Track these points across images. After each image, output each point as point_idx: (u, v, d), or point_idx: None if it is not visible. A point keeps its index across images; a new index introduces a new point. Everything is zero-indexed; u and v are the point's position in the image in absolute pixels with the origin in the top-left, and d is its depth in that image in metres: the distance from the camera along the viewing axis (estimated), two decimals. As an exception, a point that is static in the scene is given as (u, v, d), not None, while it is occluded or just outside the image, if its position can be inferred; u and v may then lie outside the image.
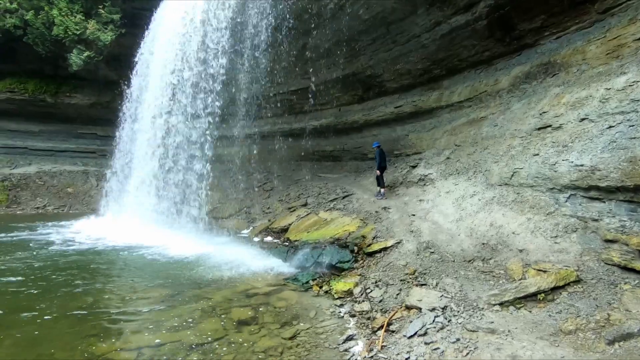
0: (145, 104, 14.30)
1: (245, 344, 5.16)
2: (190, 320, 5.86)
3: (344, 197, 12.88)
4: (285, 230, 12.45)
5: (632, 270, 4.47)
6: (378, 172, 11.36)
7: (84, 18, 16.70)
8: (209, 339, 5.29)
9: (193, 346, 5.08)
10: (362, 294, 6.32)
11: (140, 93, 14.88)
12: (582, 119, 6.21)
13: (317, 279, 7.72)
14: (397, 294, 5.84)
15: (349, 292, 6.58)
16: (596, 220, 5.27)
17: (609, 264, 4.75)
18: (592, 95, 6.29)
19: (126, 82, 15.82)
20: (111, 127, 17.22)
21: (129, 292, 7.07)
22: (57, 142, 21.92)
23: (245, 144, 21.58)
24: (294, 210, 13.89)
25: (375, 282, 6.56)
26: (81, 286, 7.36)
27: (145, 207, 13.54)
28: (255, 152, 21.33)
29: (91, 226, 13.82)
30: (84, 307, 6.22)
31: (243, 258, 9.84)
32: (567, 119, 6.57)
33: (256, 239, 12.56)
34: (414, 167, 11.43)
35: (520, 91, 9.00)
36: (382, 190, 11.30)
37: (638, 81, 5.47)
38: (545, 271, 4.99)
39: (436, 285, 5.59)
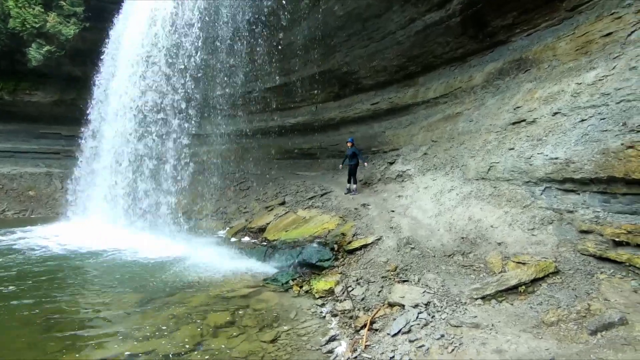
0: (113, 101, 13.60)
1: (224, 350, 4.93)
2: (165, 327, 5.55)
3: (322, 195, 12.76)
4: (263, 229, 12.19)
5: (607, 259, 4.57)
6: (366, 164, 11.76)
7: (43, 10, 15.69)
8: (186, 346, 5.01)
9: (169, 355, 4.80)
10: (343, 293, 6.20)
11: (107, 90, 14.15)
12: (555, 113, 6.33)
13: (297, 279, 7.55)
14: (379, 291, 5.76)
15: (330, 291, 6.45)
16: (571, 211, 5.38)
17: (585, 254, 4.85)
18: (564, 90, 6.43)
19: (92, 79, 15.03)
20: (77, 126, 16.29)
21: (97, 300, 6.64)
22: (17, 142, 20.56)
23: (221, 142, 21.09)
24: (272, 209, 13.65)
25: (357, 280, 6.46)
26: (45, 294, 6.85)
27: (115, 209, 12.91)
28: (231, 150, 20.90)
29: (57, 231, 13.02)
30: (48, 317, 5.77)
31: (220, 259, 9.53)
32: (540, 114, 6.70)
33: (233, 240, 12.25)
34: (391, 163, 11.44)
35: (494, 87, 9.15)
36: (355, 186, 11.60)
37: (607, 76, 5.62)
38: (524, 263, 5.04)
39: (418, 281, 5.54)
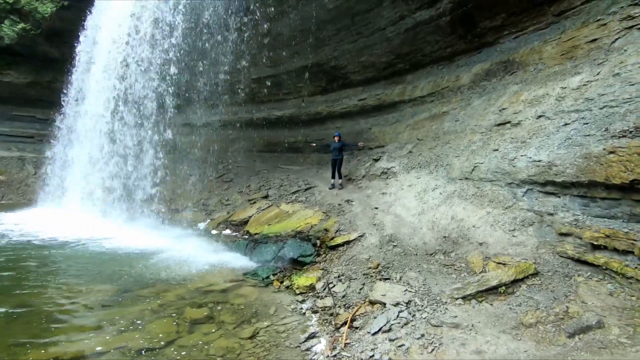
0: (92, 84, 13.05)
1: (200, 346, 4.78)
2: (139, 322, 5.35)
3: (306, 190, 12.65)
4: (245, 222, 12.00)
5: (585, 262, 4.64)
6: (360, 144, 12.39)
7: (18, -15, 14.89)
8: (161, 342, 4.84)
9: (142, 351, 4.62)
10: (324, 289, 6.13)
11: (86, 72, 13.56)
12: (540, 116, 6.40)
13: (278, 274, 7.44)
14: (361, 289, 5.71)
15: (311, 287, 6.37)
16: (551, 214, 5.45)
17: (563, 257, 4.92)
18: (549, 93, 6.50)
19: (70, 61, 14.37)
20: (52, 109, 15.62)
21: (67, 292, 6.33)
22: (-13, 124, 19.60)
23: (205, 132, 20.64)
24: (255, 202, 13.45)
25: (338, 277, 6.40)
26: (11, 286, 6.51)
27: (90, 197, 12.45)
28: (215, 141, 20.48)
29: (28, 218, 12.46)
30: (12, 310, 5.47)
31: (199, 252, 9.32)
32: (525, 116, 6.76)
33: (214, 232, 12.00)
34: (376, 160, 11.42)
35: (480, 88, 9.21)
36: (340, 181, 11.58)
37: (591, 81, 5.70)
38: (504, 264, 5.08)
39: (400, 279, 5.52)
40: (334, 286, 6.11)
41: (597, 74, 5.71)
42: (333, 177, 11.69)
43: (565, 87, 6.20)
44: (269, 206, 12.46)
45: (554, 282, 4.60)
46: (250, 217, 12.20)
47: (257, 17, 14.14)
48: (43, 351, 4.43)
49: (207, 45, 15.54)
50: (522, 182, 6.09)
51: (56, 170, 14.14)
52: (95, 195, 12.30)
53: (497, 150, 6.92)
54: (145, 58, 12.59)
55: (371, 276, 5.95)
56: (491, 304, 4.52)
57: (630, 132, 4.53)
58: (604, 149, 4.74)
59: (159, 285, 7.01)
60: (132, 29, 12.64)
